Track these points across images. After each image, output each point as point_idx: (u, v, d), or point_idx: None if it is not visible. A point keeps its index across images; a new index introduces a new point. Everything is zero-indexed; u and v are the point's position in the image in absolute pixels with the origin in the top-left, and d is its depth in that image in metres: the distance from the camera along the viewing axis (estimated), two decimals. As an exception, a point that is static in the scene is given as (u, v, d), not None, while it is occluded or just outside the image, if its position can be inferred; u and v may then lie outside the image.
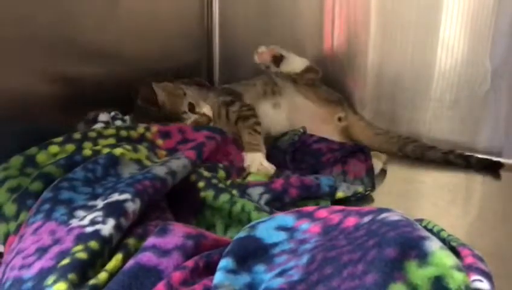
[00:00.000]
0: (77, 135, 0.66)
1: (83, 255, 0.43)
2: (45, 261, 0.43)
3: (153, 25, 0.95)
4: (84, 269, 0.42)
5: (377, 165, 0.79)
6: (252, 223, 0.46)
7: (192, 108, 0.81)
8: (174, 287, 0.39)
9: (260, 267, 0.42)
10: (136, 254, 0.43)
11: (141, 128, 0.70)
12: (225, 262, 0.41)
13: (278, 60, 0.92)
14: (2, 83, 0.66)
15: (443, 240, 0.42)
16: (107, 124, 0.77)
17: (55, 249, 0.45)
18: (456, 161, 0.86)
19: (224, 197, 0.59)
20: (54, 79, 0.75)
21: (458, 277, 0.33)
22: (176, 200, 0.60)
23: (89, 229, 0.46)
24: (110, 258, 0.44)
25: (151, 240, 0.44)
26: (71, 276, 0.40)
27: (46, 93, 0.74)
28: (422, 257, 0.35)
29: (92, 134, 0.67)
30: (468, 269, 0.36)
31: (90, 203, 0.52)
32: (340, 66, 1.00)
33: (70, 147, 0.64)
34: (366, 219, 0.42)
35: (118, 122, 0.79)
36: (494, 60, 0.85)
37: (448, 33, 0.88)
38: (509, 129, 0.87)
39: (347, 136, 0.94)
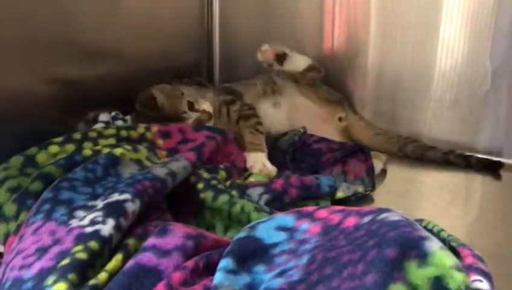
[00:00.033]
0: (77, 135, 0.66)
1: (82, 256, 0.43)
2: (45, 262, 0.43)
3: (153, 25, 0.95)
4: (84, 269, 0.42)
5: (377, 165, 0.80)
6: (252, 223, 0.46)
7: (191, 106, 0.81)
8: (174, 287, 0.39)
9: (260, 268, 0.42)
10: (136, 254, 0.43)
11: (141, 128, 0.70)
12: (225, 262, 0.41)
13: (281, 58, 0.92)
14: (2, 83, 0.66)
15: (443, 240, 0.42)
16: (108, 124, 0.77)
17: (55, 250, 0.45)
18: (456, 161, 0.86)
19: (223, 198, 0.59)
20: (54, 79, 0.75)
21: (458, 277, 0.33)
22: (176, 201, 0.60)
23: (89, 229, 0.46)
24: (110, 258, 0.45)
25: (151, 241, 0.44)
26: (71, 276, 0.40)
27: (46, 93, 0.74)
28: (422, 257, 0.35)
29: (92, 134, 0.67)
30: (468, 269, 0.36)
31: (90, 203, 0.52)
32: (340, 66, 1.00)
33: (70, 147, 0.64)
34: (366, 219, 0.42)
35: (119, 123, 0.79)
36: (494, 60, 0.85)
37: (448, 33, 0.88)
38: (509, 129, 0.87)
39: (347, 136, 0.94)
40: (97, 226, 0.46)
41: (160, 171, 0.56)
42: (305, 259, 0.41)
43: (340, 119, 0.94)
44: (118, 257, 0.44)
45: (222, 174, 0.68)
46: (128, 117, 0.82)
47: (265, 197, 0.63)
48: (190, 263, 0.42)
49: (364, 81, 0.98)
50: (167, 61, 0.99)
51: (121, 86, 0.85)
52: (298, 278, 0.39)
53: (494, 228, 0.65)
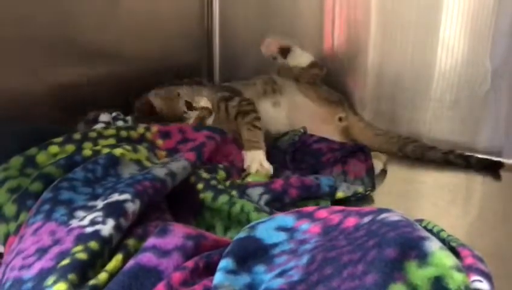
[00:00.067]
0: (77, 135, 0.66)
1: (82, 256, 0.43)
2: (45, 262, 0.43)
3: (153, 25, 0.95)
4: (84, 270, 0.42)
5: (377, 165, 0.79)
6: (252, 223, 0.46)
7: (189, 106, 0.81)
8: (174, 287, 0.40)
9: (260, 268, 0.42)
10: (136, 254, 0.43)
11: (141, 128, 0.70)
12: (225, 262, 0.41)
13: (285, 51, 0.92)
14: (2, 83, 0.67)
15: (443, 241, 0.42)
16: (108, 124, 0.77)
17: (55, 250, 0.45)
18: (456, 161, 0.86)
19: (223, 199, 0.59)
20: (54, 79, 0.75)
21: (458, 277, 0.33)
22: (176, 201, 0.60)
23: (89, 229, 0.46)
24: (110, 258, 0.45)
25: (151, 241, 0.44)
26: (71, 276, 0.40)
27: (46, 93, 0.74)
28: (422, 257, 0.35)
29: (92, 134, 0.67)
30: (468, 269, 0.36)
31: (90, 203, 0.52)
32: (340, 66, 1.00)
33: (70, 148, 0.64)
34: (366, 219, 0.42)
35: (120, 123, 0.79)
36: (494, 60, 0.85)
37: (448, 33, 0.88)
38: (509, 129, 0.87)
39: (347, 137, 0.94)
40: (97, 227, 0.46)
41: (160, 172, 0.56)
42: (305, 259, 0.41)
43: (340, 119, 0.94)
44: (118, 257, 0.44)
45: (222, 174, 0.68)
46: (129, 117, 0.81)
47: (265, 197, 0.63)
48: (190, 263, 0.42)
49: (364, 81, 0.98)
50: (167, 61, 0.99)
51: (121, 86, 0.85)
52: (298, 279, 0.39)
53: (494, 228, 0.65)
